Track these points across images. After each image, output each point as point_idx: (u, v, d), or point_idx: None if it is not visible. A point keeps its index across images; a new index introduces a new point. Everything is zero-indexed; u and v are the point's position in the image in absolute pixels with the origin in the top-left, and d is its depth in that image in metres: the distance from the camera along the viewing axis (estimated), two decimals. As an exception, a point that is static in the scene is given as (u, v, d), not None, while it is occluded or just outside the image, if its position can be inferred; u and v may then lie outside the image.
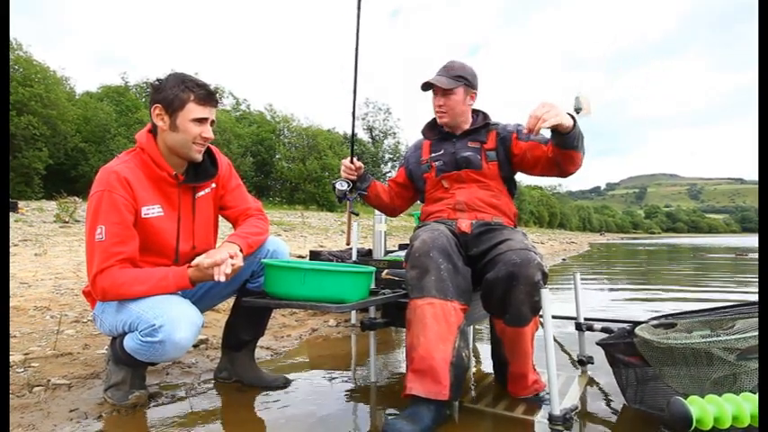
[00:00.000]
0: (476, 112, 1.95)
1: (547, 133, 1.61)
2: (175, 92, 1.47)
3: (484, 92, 1.91)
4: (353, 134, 2.02)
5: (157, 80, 1.52)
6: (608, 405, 1.67)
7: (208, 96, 1.52)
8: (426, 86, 1.86)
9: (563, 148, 1.58)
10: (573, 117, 1.50)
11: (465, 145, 1.88)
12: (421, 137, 2.03)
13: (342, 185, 1.93)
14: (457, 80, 1.82)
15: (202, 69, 36.14)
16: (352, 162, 1.94)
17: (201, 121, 1.51)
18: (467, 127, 1.91)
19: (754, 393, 1.25)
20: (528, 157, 1.78)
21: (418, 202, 2.14)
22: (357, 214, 2.03)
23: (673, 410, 1.25)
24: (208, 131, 1.54)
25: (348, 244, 2.34)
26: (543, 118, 1.42)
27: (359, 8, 1.85)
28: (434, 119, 1.94)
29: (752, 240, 32.42)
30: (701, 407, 1.22)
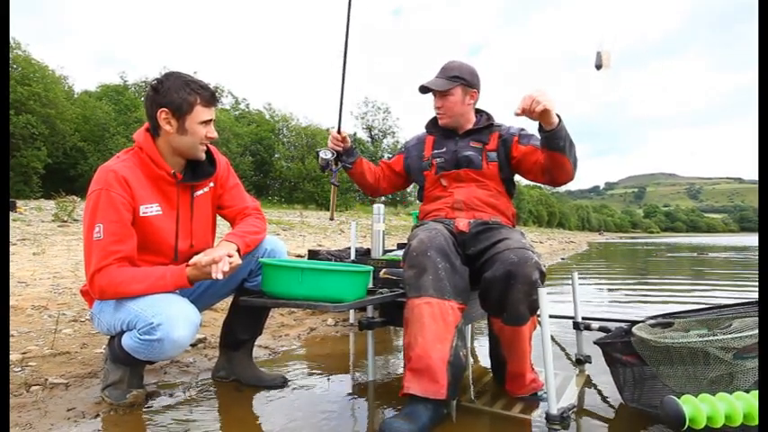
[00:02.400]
0: (480, 113, 1.95)
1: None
2: (182, 95, 1.47)
3: (484, 92, 1.91)
4: (342, 103, 1.99)
5: (156, 80, 1.52)
6: (605, 404, 1.68)
7: (212, 97, 1.54)
8: (424, 89, 1.86)
9: (550, 148, 1.58)
10: (558, 116, 1.52)
11: (467, 144, 1.88)
12: (425, 131, 2.03)
13: (326, 154, 1.92)
14: (453, 80, 1.82)
15: (201, 68, 36.07)
16: (339, 132, 1.94)
17: (207, 122, 1.53)
18: (469, 126, 1.91)
19: (749, 392, 1.25)
20: (524, 161, 1.79)
21: (417, 201, 2.14)
22: (338, 186, 2.02)
23: (666, 409, 1.25)
24: (212, 131, 1.56)
25: (332, 219, 2.35)
26: (537, 99, 1.44)
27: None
28: None
29: (751, 240, 32.45)
30: (695, 406, 1.22)
